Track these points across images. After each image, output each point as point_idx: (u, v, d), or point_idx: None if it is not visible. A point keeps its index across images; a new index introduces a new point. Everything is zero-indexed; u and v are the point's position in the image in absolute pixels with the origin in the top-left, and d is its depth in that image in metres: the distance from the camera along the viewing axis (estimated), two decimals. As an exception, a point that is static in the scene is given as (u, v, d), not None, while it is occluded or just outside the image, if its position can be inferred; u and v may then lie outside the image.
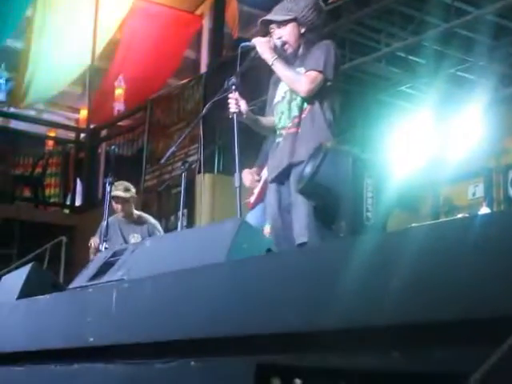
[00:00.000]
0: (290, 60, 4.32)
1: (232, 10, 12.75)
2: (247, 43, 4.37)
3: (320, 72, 4.16)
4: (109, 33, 13.42)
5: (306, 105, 4.21)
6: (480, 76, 9.23)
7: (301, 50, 4.34)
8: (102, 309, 2.87)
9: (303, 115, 4.21)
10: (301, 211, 4.02)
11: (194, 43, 14.07)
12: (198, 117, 4.78)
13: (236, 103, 4.22)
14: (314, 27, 4.34)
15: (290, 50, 4.32)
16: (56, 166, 13.38)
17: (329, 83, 4.19)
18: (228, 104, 4.25)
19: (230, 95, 4.23)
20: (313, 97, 4.18)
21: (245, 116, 4.29)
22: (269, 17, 4.37)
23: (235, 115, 4.20)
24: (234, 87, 4.23)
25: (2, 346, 3.65)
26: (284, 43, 4.30)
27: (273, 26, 4.36)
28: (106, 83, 13.76)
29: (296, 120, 4.22)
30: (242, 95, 4.28)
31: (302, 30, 4.31)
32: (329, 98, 4.23)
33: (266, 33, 4.43)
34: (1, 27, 12.26)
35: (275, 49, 4.26)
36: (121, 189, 7.02)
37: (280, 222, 4.23)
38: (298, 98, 4.22)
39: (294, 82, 4.21)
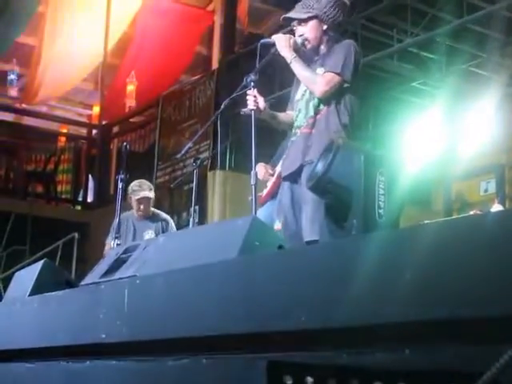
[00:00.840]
0: (311, 57, 4.30)
1: (243, 5, 12.74)
2: (267, 40, 4.36)
3: (337, 74, 4.13)
4: (121, 29, 13.44)
5: (322, 106, 4.19)
6: (492, 72, 9.21)
7: (323, 48, 4.31)
8: (114, 305, 2.88)
9: (318, 116, 4.19)
10: (309, 210, 4.02)
11: (205, 39, 14.06)
12: (216, 113, 4.76)
13: (254, 100, 4.21)
14: (337, 24, 4.31)
15: (310, 46, 4.29)
16: (68, 163, 13.40)
17: (346, 85, 4.16)
18: (246, 101, 4.25)
19: (249, 92, 4.23)
20: (329, 98, 4.16)
21: (263, 113, 4.30)
22: (290, 14, 4.36)
23: (253, 112, 4.19)
24: (252, 84, 4.22)
25: (14, 342, 3.67)
26: (305, 40, 4.27)
27: (294, 23, 4.34)
28: (118, 79, 13.78)
29: (311, 120, 4.21)
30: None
31: (324, 27, 4.27)
32: (346, 100, 4.18)
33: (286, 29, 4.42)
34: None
35: (295, 46, 4.23)
36: (146, 189, 7.05)
37: (292, 220, 4.23)
38: (316, 99, 4.20)
39: (310, 83, 4.20)
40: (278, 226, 4.65)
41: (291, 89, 4.61)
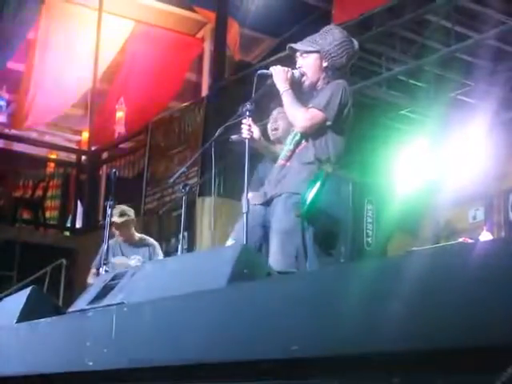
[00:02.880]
0: (307, 92, 4.30)
1: (233, 33, 12.79)
2: (265, 71, 4.37)
3: (320, 111, 4.12)
4: (110, 55, 13.47)
5: (302, 141, 4.19)
6: (480, 100, 9.25)
7: (319, 84, 4.30)
8: (102, 333, 2.87)
9: (297, 150, 4.20)
10: (279, 241, 3.99)
11: (195, 66, 14.11)
12: (211, 140, 4.75)
13: (248, 129, 4.22)
14: (338, 64, 4.27)
15: (307, 81, 4.29)
16: (56, 188, 13.36)
17: (329, 123, 4.15)
18: (236, 128, 4.26)
19: (244, 121, 4.23)
20: (309, 134, 4.16)
21: (256, 142, 4.31)
22: (294, 45, 4.37)
23: (247, 141, 4.19)
24: (248, 113, 4.23)
25: (1, 369, 3.64)
26: (303, 74, 4.28)
27: (297, 54, 4.35)
28: (107, 106, 13.79)
29: (289, 154, 4.22)
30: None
31: (325, 64, 4.26)
32: (327, 138, 4.16)
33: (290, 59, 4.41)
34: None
35: (293, 79, 4.24)
36: (116, 213, 6.98)
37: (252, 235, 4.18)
38: (298, 133, 4.22)
39: (293, 117, 4.20)
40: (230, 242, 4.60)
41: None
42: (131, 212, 7.21)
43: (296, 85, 4.26)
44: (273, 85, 4.25)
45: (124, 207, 7.19)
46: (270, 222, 4.11)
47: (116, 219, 6.95)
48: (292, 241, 3.91)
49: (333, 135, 4.17)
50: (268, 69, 4.37)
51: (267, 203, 4.21)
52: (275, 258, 3.95)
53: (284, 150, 4.30)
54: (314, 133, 4.15)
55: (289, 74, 4.24)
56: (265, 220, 4.20)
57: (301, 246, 3.88)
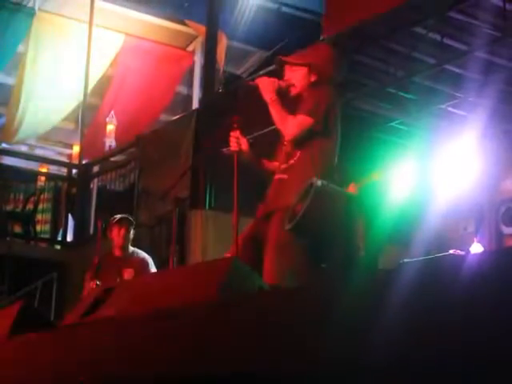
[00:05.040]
0: (292, 100, 4.32)
1: (222, 46, 12.81)
2: (251, 83, 4.39)
3: (307, 116, 4.13)
4: (101, 69, 13.47)
5: (296, 151, 4.20)
6: (470, 112, 9.29)
7: (305, 93, 4.31)
8: (93, 347, 2.86)
9: (292, 161, 4.21)
10: (274, 254, 3.99)
11: (186, 79, 14.13)
12: (201, 152, 4.77)
13: (237, 142, 4.22)
14: (326, 78, 4.33)
15: (294, 92, 4.32)
16: (47, 202, 13.34)
17: (317, 128, 4.15)
18: (229, 141, 4.27)
19: (232, 133, 4.24)
20: (303, 143, 4.16)
21: (245, 155, 4.31)
22: (284, 57, 4.40)
23: (236, 154, 4.19)
24: (235, 125, 4.24)
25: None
26: (290, 85, 4.30)
27: (287, 66, 4.37)
28: (98, 119, 13.78)
29: (284, 166, 4.23)
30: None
31: (313, 79, 4.30)
32: (320, 144, 4.17)
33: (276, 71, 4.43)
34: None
35: (279, 89, 4.26)
36: (118, 215, 7.06)
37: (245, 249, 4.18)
38: (291, 144, 4.22)
39: (281, 125, 4.21)
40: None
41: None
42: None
43: (283, 94, 4.28)
44: (260, 95, 4.27)
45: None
46: (267, 235, 4.11)
47: (119, 216, 7.02)
48: (287, 255, 3.92)
49: (324, 140, 4.18)
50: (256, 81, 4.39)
51: (265, 217, 4.21)
52: (270, 272, 3.95)
53: (279, 163, 4.31)
54: (303, 140, 4.16)
55: (275, 85, 4.26)
56: (259, 234, 4.20)
57: (295, 261, 3.89)
